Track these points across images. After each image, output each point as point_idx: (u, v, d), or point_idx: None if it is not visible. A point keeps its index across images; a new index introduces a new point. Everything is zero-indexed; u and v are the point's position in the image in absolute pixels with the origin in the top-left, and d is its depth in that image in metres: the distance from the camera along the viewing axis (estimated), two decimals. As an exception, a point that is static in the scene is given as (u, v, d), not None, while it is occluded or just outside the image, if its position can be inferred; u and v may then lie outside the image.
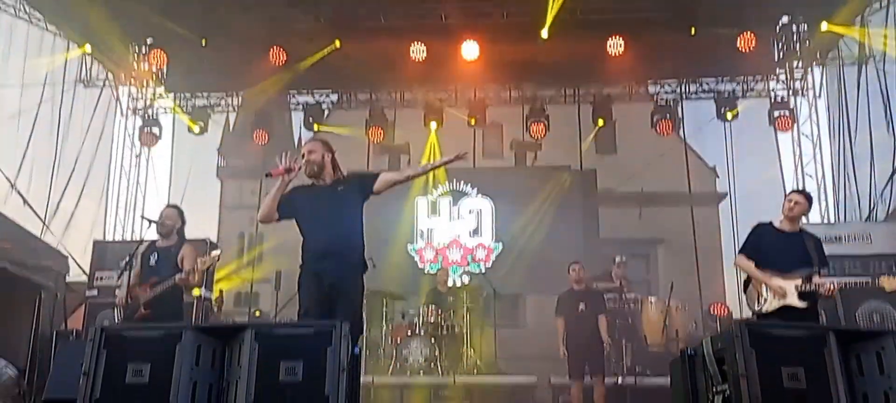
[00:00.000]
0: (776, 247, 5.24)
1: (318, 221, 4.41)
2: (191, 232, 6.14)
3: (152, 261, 5.79)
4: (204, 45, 11.01)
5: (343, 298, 4.27)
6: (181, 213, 6.05)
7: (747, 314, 5.72)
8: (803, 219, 5.54)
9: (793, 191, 5.50)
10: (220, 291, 9.89)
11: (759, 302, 5.17)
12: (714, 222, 15.72)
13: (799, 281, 5.07)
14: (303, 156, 4.53)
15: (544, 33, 10.48)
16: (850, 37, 10.97)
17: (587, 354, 7.49)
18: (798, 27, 11.39)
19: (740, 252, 5.41)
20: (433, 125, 11.99)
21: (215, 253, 5.71)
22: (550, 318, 7.90)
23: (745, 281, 5.40)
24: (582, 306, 7.55)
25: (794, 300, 5.06)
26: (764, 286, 5.19)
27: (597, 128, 12.06)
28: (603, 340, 7.49)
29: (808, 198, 5.40)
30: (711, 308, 10.92)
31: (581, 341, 7.46)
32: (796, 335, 3.94)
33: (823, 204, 11.65)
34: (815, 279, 5.06)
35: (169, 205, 6.24)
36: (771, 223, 5.41)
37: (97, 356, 3.74)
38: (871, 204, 10.38)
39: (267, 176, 4.49)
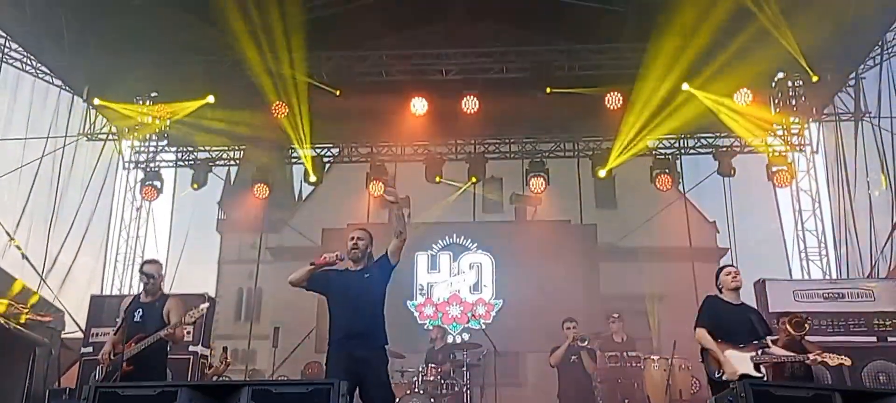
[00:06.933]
0: (729, 321, 5.59)
1: (348, 304, 4.85)
2: (189, 286, 6.12)
3: (137, 317, 5.70)
4: (212, 101, 11.08)
5: (372, 372, 4.69)
6: (162, 267, 6.10)
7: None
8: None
9: (727, 264, 6.08)
10: (225, 349, 9.66)
11: (718, 372, 5.42)
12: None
13: (754, 352, 5.40)
14: (351, 239, 5.02)
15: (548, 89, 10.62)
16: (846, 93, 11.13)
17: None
18: (793, 83, 11.53)
19: (699, 325, 5.62)
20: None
21: (203, 306, 5.65)
22: (551, 377, 7.98)
23: (701, 350, 5.64)
24: (574, 358, 8.31)
25: (750, 370, 5.33)
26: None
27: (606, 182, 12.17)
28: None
29: None
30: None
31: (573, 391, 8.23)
32: (801, 395, 3.86)
33: (824, 259, 11.61)
34: (769, 350, 5.41)
35: (152, 261, 6.18)
36: (717, 295, 5.76)
37: (90, 416, 3.66)
38: (872, 260, 10.33)
39: (311, 264, 4.89)
